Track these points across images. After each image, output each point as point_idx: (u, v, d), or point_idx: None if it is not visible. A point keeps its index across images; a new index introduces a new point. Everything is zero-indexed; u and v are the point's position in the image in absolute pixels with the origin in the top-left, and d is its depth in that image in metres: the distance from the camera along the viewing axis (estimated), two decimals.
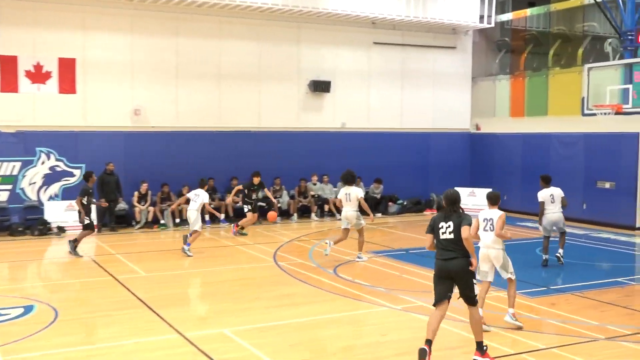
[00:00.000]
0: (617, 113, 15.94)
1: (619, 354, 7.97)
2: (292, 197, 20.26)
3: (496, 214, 9.02)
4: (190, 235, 14.15)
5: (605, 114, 16.00)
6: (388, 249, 15.09)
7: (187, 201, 14.59)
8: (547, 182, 12.99)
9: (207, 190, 19.17)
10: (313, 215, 20.10)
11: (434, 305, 7.51)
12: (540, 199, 12.89)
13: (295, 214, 19.86)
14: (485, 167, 22.79)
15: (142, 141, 18.72)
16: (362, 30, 21.68)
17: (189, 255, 13.77)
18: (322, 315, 9.42)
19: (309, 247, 15.18)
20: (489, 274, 9.01)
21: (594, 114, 16.30)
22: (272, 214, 16.35)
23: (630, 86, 16.05)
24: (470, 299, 7.58)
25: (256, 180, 16.78)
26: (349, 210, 13.61)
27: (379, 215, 20.94)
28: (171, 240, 16.54)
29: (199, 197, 14.33)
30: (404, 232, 17.97)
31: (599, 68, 17.00)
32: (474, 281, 7.59)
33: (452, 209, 7.57)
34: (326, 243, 13.68)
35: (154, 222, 18.21)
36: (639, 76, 16.18)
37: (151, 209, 18.12)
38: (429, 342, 7.33)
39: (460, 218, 7.51)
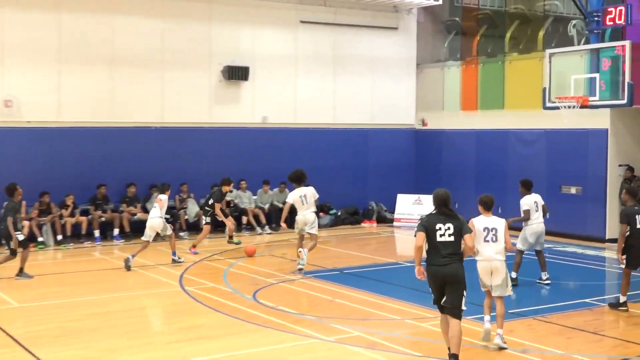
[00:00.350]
0: (582, 106, 16.31)
1: None
2: (202, 207, 20.02)
3: (499, 222, 9.50)
4: (174, 255, 15.59)
5: (569, 107, 16.37)
6: (319, 268, 15.12)
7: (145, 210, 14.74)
8: (528, 188, 13.37)
9: (97, 200, 18.82)
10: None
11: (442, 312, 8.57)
12: (525, 207, 13.21)
13: None
14: (432, 169, 23.15)
15: (14, 140, 18.20)
16: (286, 6, 21.71)
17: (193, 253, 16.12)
18: (238, 351, 9.31)
19: (224, 268, 15.07)
20: (491, 287, 9.60)
21: (557, 108, 16.65)
22: (250, 249, 16.65)
23: (597, 75, 16.43)
24: (457, 310, 8.38)
25: (227, 189, 17.17)
26: (309, 213, 14.63)
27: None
28: (51, 261, 16.04)
29: (163, 203, 15.45)
30: (338, 249, 18.03)
31: (562, 54, 17.38)
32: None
33: (447, 210, 8.43)
34: (301, 251, 14.50)
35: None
36: (607, 63, 16.61)
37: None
38: (454, 357, 8.21)
39: (460, 222, 8.43)
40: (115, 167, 19.26)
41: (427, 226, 8.36)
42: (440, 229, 8.35)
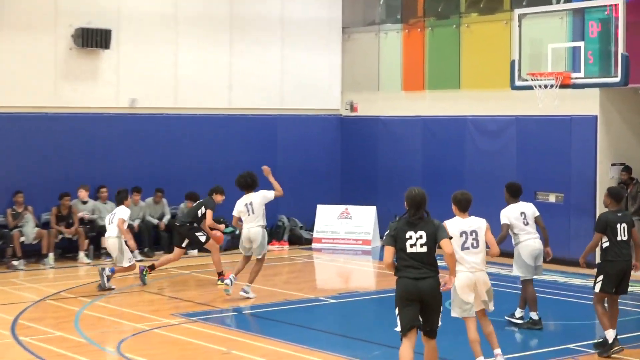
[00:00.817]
0: (563, 85, 16.59)
1: None
2: (45, 224, 19.62)
3: (480, 223, 10.49)
4: (111, 272, 16.28)
5: (545, 86, 16.63)
6: (209, 308, 15.04)
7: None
8: (515, 194, 13.61)
9: None
10: (82, 254, 19.68)
11: (402, 335, 9.36)
12: (503, 220, 13.35)
13: (52, 254, 19.34)
14: (365, 170, 23.22)
15: None
16: None
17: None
18: None
19: (75, 310, 14.79)
20: (473, 307, 10.44)
21: (530, 87, 16.92)
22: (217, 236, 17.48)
23: (582, 44, 16.72)
24: (434, 330, 9.53)
25: (221, 198, 17.51)
26: (253, 227, 15.25)
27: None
28: None
29: (115, 217, 16.32)
30: (236, 280, 17.91)
31: (537, 16, 17.58)
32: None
33: (419, 215, 9.37)
34: (226, 284, 15.35)
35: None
36: (596, 29, 16.91)
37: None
38: None
39: (435, 227, 9.38)
40: None
41: (395, 236, 9.33)
42: (410, 237, 9.30)
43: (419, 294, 9.23)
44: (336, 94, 24.07)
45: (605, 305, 12.08)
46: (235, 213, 15.83)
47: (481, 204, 13.63)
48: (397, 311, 9.41)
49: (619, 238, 11.73)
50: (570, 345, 12.45)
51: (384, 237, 9.52)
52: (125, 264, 16.48)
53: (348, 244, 21.83)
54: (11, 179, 19.47)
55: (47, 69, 20.25)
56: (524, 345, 12.75)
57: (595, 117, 19.06)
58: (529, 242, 13.39)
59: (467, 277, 10.28)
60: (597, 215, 18.39)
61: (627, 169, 19.11)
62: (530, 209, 13.57)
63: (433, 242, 9.31)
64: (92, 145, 20.65)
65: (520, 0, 20.69)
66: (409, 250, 9.25)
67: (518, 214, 13.42)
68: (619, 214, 11.93)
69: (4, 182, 19.34)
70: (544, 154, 19.81)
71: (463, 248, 10.25)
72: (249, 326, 13.73)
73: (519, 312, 13.55)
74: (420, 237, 9.25)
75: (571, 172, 19.40)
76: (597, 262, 12.07)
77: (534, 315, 13.37)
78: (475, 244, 10.27)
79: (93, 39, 20.38)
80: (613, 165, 19.23)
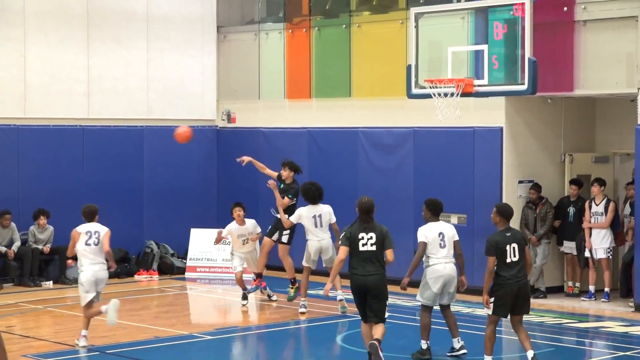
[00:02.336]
0: (465, 94, 16.81)
1: None
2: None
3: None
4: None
5: (445, 95, 16.89)
6: (67, 348, 14.91)
7: None
8: (435, 212, 14.08)
9: None
10: None
11: (362, 319, 12.89)
12: (421, 238, 13.73)
13: None
14: (244, 189, 23.16)
15: None
16: None
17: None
18: None
19: None
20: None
21: (429, 96, 17.15)
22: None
23: (485, 47, 16.91)
24: (381, 318, 12.70)
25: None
26: (325, 238, 17.70)
27: (49, 283, 20.80)
28: None
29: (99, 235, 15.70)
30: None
31: (435, 15, 17.84)
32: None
33: (368, 219, 12.74)
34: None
35: None
36: (501, 30, 17.16)
37: None
38: (377, 341, 12.46)
39: (383, 233, 12.71)
40: None
41: (349, 237, 12.62)
42: (362, 238, 12.62)
43: (366, 287, 12.60)
44: (211, 102, 24.21)
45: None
46: (295, 220, 17.50)
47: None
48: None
49: (508, 260, 12.51)
50: None
51: (341, 239, 12.79)
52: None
53: (226, 273, 21.70)
54: None
55: None
56: None
57: (501, 129, 19.42)
58: (437, 267, 13.71)
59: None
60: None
61: (536, 187, 19.48)
62: (450, 231, 13.96)
63: (381, 243, 12.65)
64: None
65: None
66: (361, 249, 12.58)
67: (436, 234, 13.75)
68: (508, 234, 12.66)
69: None
70: (444, 170, 20.05)
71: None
72: None
73: (457, 342, 13.95)
74: (371, 238, 12.61)
75: (474, 190, 19.70)
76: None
77: (423, 344, 13.71)
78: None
79: None
80: (520, 182, 19.63)
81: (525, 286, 12.86)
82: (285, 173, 18.23)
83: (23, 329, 16.47)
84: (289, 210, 17.85)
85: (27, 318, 17.51)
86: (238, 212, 18.26)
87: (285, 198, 17.77)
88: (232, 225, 18.38)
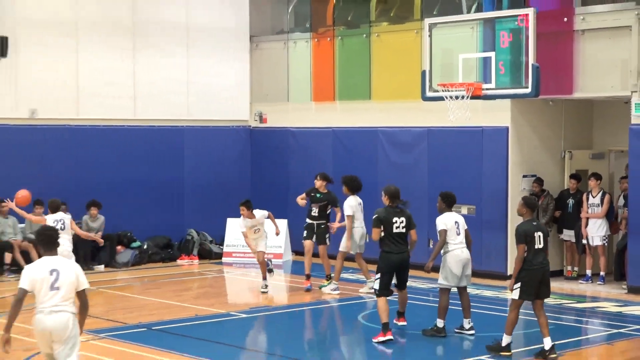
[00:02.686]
0: (474, 96, 16.88)
1: None
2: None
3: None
4: None
5: (456, 97, 16.94)
6: (117, 324, 15.14)
7: None
8: (450, 203, 14.51)
9: None
10: None
11: (384, 295, 13.78)
12: (441, 227, 14.21)
13: None
14: (275, 182, 23.62)
15: None
16: None
17: None
18: None
19: None
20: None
21: (441, 98, 17.22)
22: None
23: (492, 54, 16.95)
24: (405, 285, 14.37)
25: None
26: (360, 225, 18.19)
27: (101, 267, 21.10)
28: None
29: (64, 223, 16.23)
30: (145, 296, 18.22)
31: (447, 25, 18.02)
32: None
33: (399, 203, 13.99)
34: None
35: None
36: (507, 39, 17.25)
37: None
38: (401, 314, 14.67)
39: (409, 217, 14.00)
40: None
41: (382, 220, 13.70)
42: (396, 222, 13.72)
43: (400, 264, 13.86)
44: (245, 104, 24.37)
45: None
46: (351, 213, 17.74)
47: None
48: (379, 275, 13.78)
49: (536, 246, 12.45)
50: (482, 357, 13.02)
51: (373, 222, 13.77)
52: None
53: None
54: None
55: None
56: (432, 356, 13.49)
57: (507, 128, 19.66)
58: (457, 252, 14.19)
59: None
60: (511, 226, 19.25)
61: (538, 181, 19.77)
62: (462, 220, 14.42)
63: (409, 226, 13.84)
64: None
65: (431, 9, 21.04)
66: (394, 231, 13.69)
67: (453, 223, 14.23)
68: (534, 223, 12.66)
69: None
70: (455, 166, 20.25)
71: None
72: (159, 342, 13.78)
73: (467, 323, 14.40)
74: (402, 221, 13.73)
75: (482, 184, 19.94)
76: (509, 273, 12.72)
77: (439, 323, 14.17)
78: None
79: None
80: (524, 177, 19.87)
81: (548, 272, 12.84)
82: (319, 183, 18.39)
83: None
84: (323, 210, 18.41)
85: None
86: (242, 211, 18.11)
87: (344, 219, 18.05)
88: (241, 221, 18.31)
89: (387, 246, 13.68)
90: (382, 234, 13.74)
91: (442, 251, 14.27)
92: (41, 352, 9.51)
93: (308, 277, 18.50)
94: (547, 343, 12.54)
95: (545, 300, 12.88)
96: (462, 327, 14.40)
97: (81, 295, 9.31)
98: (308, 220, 18.42)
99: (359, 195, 17.93)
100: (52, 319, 9.17)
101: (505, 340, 12.68)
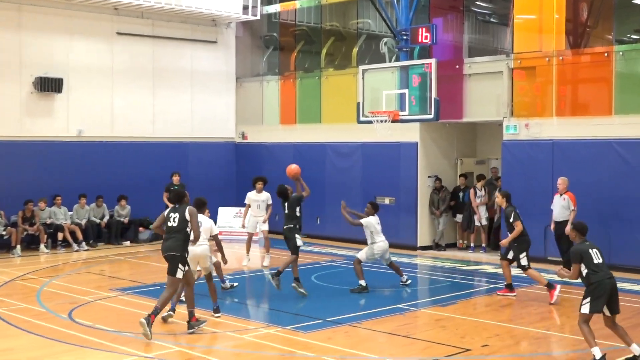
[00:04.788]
0: (394, 120, 16.83)
1: None
2: (14, 224, 19.09)
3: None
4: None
5: (382, 121, 16.94)
6: (138, 284, 14.88)
7: None
8: (375, 209, 14.36)
9: None
10: (42, 246, 19.13)
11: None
12: (365, 224, 14.11)
13: (19, 246, 18.76)
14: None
15: None
16: (102, 17, 21.19)
17: None
18: None
19: (37, 287, 14.45)
20: None
21: (371, 122, 17.22)
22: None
23: (406, 91, 16.95)
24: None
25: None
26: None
27: (127, 243, 20.64)
28: None
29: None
30: (158, 264, 17.70)
31: (375, 70, 17.95)
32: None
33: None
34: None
35: None
36: (417, 80, 17.25)
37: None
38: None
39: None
40: None
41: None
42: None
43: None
44: (232, 126, 24.06)
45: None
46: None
47: (337, 208, 13.94)
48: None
49: (595, 261, 9.49)
50: (400, 305, 12.86)
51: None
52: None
53: (241, 236, 21.65)
54: None
55: (13, 107, 19.75)
56: (367, 305, 13.03)
57: (417, 143, 19.49)
58: (381, 244, 14.14)
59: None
60: (420, 211, 19.04)
61: (438, 179, 19.62)
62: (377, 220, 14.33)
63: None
64: (49, 165, 20.12)
65: (363, 59, 21.15)
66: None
67: (375, 224, 14.17)
68: (587, 243, 9.70)
69: None
70: (380, 169, 20.16)
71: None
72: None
73: (403, 277, 14.53)
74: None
75: (400, 182, 19.81)
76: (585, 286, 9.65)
77: (362, 282, 13.92)
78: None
79: (49, 85, 19.98)
80: (429, 177, 19.69)
81: (616, 285, 9.57)
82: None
83: (110, 271, 16.49)
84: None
85: (113, 265, 17.48)
86: (258, 184, 17.11)
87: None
88: (251, 193, 17.23)
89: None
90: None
91: (369, 242, 14.19)
92: None
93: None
94: (636, 349, 9.42)
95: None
96: (402, 282, 14.57)
97: None
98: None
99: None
100: None
101: (597, 353, 9.26)
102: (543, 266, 16.20)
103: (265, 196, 17.26)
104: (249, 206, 17.37)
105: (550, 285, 13.27)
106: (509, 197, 13.73)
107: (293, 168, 14.51)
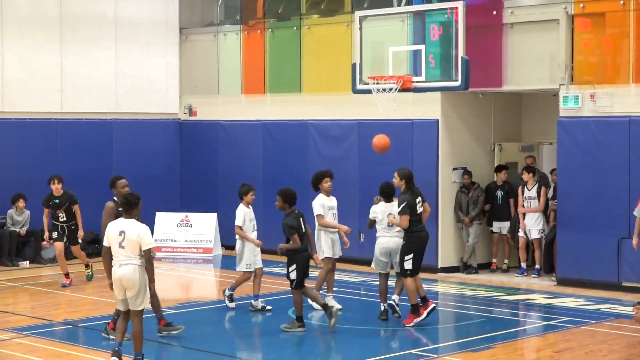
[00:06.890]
0: (404, 89, 16.91)
1: None
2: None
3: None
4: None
5: (385, 90, 17.01)
6: (43, 322, 14.85)
7: None
8: (389, 196, 14.63)
9: None
10: None
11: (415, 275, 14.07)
12: (372, 215, 14.62)
13: None
14: (204, 176, 23.38)
15: None
16: None
17: None
18: None
19: None
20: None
21: (371, 91, 17.24)
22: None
23: (422, 47, 16.97)
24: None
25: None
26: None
27: (26, 263, 20.71)
28: None
29: None
30: (70, 292, 17.83)
31: (377, 18, 17.86)
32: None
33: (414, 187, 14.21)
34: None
35: None
36: (437, 32, 17.28)
37: None
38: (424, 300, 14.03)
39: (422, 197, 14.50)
40: None
41: (411, 206, 13.88)
42: (418, 203, 14.08)
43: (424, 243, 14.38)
44: (174, 97, 24.11)
45: None
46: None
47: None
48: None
49: None
50: (414, 350, 12.96)
51: (402, 208, 13.90)
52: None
53: (188, 252, 21.81)
54: None
55: None
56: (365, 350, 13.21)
57: (437, 121, 19.53)
58: (382, 240, 14.58)
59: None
60: (442, 217, 19.09)
61: (468, 173, 19.65)
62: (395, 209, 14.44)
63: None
64: None
65: (361, 2, 20.99)
66: (418, 211, 14.10)
67: (386, 215, 14.48)
68: None
69: None
70: (386, 159, 19.53)
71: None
72: (83, 339, 13.73)
73: (396, 299, 14.79)
74: (419, 201, 14.15)
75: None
76: None
77: (382, 307, 14.61)
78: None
79: None
80: (454, 169, 19.76)
81: None
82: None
83: (2, 305, 16.33)
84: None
85: (6, 295, 17.37)
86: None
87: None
88: (246, 210, 15.98)
89: (413, 227, 14.10)
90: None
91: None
92: None
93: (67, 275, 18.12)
94: None
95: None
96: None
97: None
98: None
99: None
100: None
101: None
102: (615, 295, 16.27)
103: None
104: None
105: (424, 300, 14.15)
106: (410, 178, 14.32)
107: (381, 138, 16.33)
